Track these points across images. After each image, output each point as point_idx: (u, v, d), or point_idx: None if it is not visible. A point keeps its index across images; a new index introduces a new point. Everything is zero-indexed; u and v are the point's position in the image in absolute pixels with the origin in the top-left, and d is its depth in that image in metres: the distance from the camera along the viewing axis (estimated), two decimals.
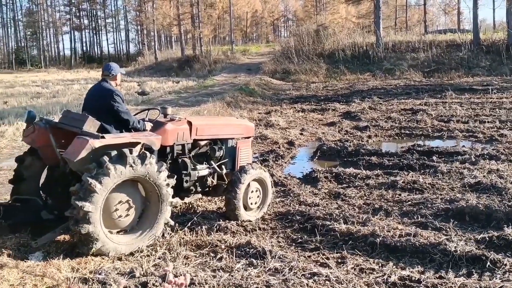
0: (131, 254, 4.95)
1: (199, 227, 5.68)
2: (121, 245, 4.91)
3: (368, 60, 32.32)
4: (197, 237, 5.44)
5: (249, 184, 6.13)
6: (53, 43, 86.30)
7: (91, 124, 4.97)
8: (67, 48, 79.73)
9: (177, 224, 5.62)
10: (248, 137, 6.78)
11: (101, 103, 5.32)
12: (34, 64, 73.20)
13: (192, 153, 6.05)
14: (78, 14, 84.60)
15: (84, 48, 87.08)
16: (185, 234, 5.50)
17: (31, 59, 76.59)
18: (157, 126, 5.65)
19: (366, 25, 47.83)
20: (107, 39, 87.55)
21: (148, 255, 4.95)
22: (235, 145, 6.50)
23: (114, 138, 4.86)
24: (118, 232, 5.02)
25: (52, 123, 5.37)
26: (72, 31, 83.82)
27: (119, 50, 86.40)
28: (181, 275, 4.05)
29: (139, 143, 4.97)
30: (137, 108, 14.68)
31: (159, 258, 4.86)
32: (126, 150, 4.75)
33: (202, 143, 6.20)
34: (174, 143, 5.77)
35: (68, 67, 67.02)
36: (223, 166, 6.37)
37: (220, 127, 6.41)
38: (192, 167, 5.95)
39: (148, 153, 4.94)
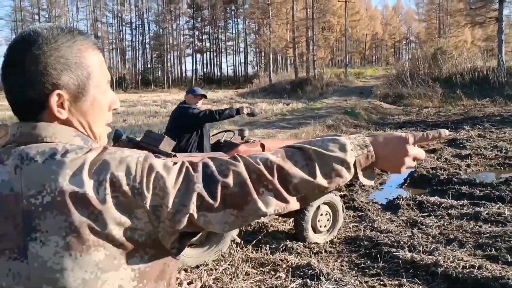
0: (197, 266, 5.31)
1: (266, 245, 5.91)
2: (188, 258, 5.28)
3: (488, 86, 30.71)
4: (261, 255, 5.68)
5: (318, 207, 6.26)
6: (177, 65, 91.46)
7: (167, 143, 5.45)
8: (188, 69, 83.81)
9: (242, 242, 5.89)
10: None
11: (178, 122, 5.83)
12: (158, 85, 78.23)
13: None
14: (200, 37, 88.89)
15: (205, 70, 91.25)
16: (251, 252, 5.75)
17: (155, 80, 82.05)
18: (230, 147, 6.01)
19: (491, 49, 45.53)
20: (226, 61, 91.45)
21: (211, 269, 5.28)
22: None
23: (185, 157, 5.26)
24: (188, 246, 5.40)
25: (134, 141, 5.90)
26: (194, 54, 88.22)
27: (238, 72, 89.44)
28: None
29: None
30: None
31: (221, 273, 5.17)
32: None
33: None
34: None
35: (188, 87, 70.44)
36: None
37: None
38: None
39: None
